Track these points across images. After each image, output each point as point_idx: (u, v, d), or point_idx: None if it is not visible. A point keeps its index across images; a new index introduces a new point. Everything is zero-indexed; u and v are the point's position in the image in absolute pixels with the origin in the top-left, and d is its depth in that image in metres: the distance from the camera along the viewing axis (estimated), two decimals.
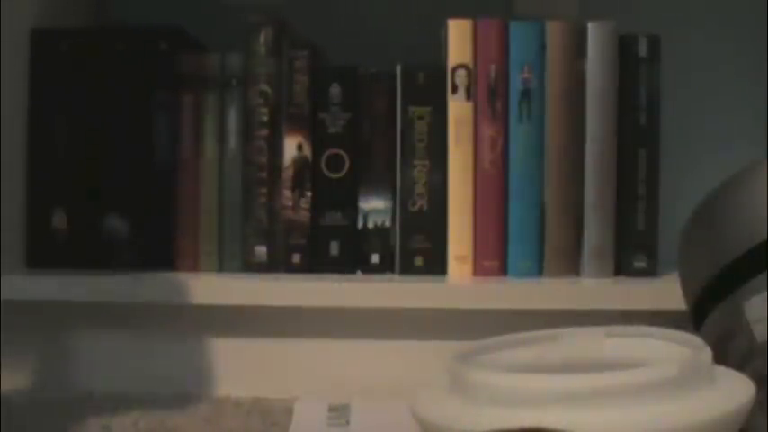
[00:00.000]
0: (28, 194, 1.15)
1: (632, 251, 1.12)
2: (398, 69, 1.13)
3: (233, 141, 1.13)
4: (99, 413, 1.01)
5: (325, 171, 1.13)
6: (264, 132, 1.13)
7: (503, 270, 1.12)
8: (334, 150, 1.13)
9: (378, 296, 1.06)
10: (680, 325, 0.92)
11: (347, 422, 0.98)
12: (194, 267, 1.13)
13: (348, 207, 1.13)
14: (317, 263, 1.13)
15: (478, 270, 1.11)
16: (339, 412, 1.02)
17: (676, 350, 0.82)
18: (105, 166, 1.14)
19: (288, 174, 1.12)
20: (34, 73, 1.14)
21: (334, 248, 1.13)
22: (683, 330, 0.84)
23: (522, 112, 1.11)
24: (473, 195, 1.12)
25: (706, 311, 0.86)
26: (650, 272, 1.11)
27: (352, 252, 1.13)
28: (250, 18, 1.13)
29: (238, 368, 1.11)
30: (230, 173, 1.13)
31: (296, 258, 1.12)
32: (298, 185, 1.12)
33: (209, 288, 1.07)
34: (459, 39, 1.11)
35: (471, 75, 1.11)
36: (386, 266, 1.13)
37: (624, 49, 1.12)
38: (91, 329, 1.12)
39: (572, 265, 1.12)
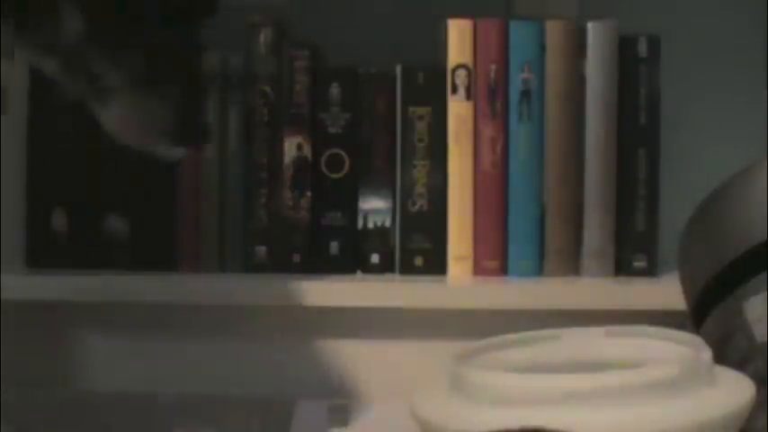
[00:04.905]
0: (28, 194, 1.14)
1: (632, 251, 1.12)
2: (398, 69, 1.13)
3: (233, 141, 1.13)
4: (99, 413, 1.01)
5: (325, 171, 1.13)
6: (264, 132, 1.13)
7: (503, 270, 1.11)
8: (335, 150, 1.13)
9: (378, 296, 1.06)
10: (680, 325, 0.92)
11: (347, 422, 0.98)
12: (195, 267, 1.13)
13: (348, 207, 1.13)
14: (317, 263, 1.13)
15: (478, 270, 1.11)
16: (339, 412, 1.02)
17: (676, 350, 0.82)
18: (105, 166, 1.14)
19: (288, 174, 1.12)
20: (34, 73, 1.14)
21: (334, 248, 1.13)
22: (683, 330, 0.84)
23: (522, 112, 1.11)
24: (473, 195, 1.11)
25: (706, 311, 0.86)
26: (650, 272, 1.11)
27: (352, 252, 1.13)
28: (250, 18, 1.13)
29: (238, 368, 1.12)
30: (230, 173, 1.13)
31: (296, 258, 1.12)
32: (298, 185, 1.12)
33: (210, 288, 1.07)
34: (459, 39, 1.11)
35: (471, 75, 1.11)
36: (386, 266, 1.13)
37: (624, 49, 1.12)
38: (91, 329, 1.12)
39: (572, 265, 1.12)
